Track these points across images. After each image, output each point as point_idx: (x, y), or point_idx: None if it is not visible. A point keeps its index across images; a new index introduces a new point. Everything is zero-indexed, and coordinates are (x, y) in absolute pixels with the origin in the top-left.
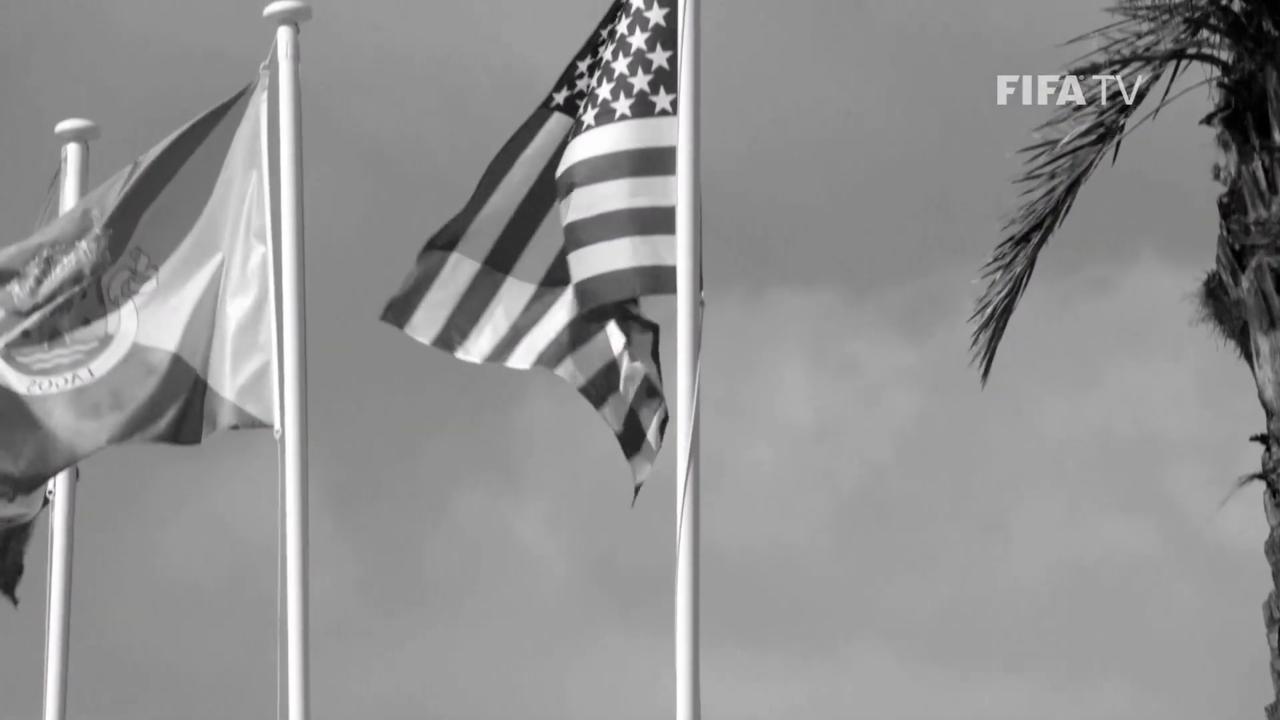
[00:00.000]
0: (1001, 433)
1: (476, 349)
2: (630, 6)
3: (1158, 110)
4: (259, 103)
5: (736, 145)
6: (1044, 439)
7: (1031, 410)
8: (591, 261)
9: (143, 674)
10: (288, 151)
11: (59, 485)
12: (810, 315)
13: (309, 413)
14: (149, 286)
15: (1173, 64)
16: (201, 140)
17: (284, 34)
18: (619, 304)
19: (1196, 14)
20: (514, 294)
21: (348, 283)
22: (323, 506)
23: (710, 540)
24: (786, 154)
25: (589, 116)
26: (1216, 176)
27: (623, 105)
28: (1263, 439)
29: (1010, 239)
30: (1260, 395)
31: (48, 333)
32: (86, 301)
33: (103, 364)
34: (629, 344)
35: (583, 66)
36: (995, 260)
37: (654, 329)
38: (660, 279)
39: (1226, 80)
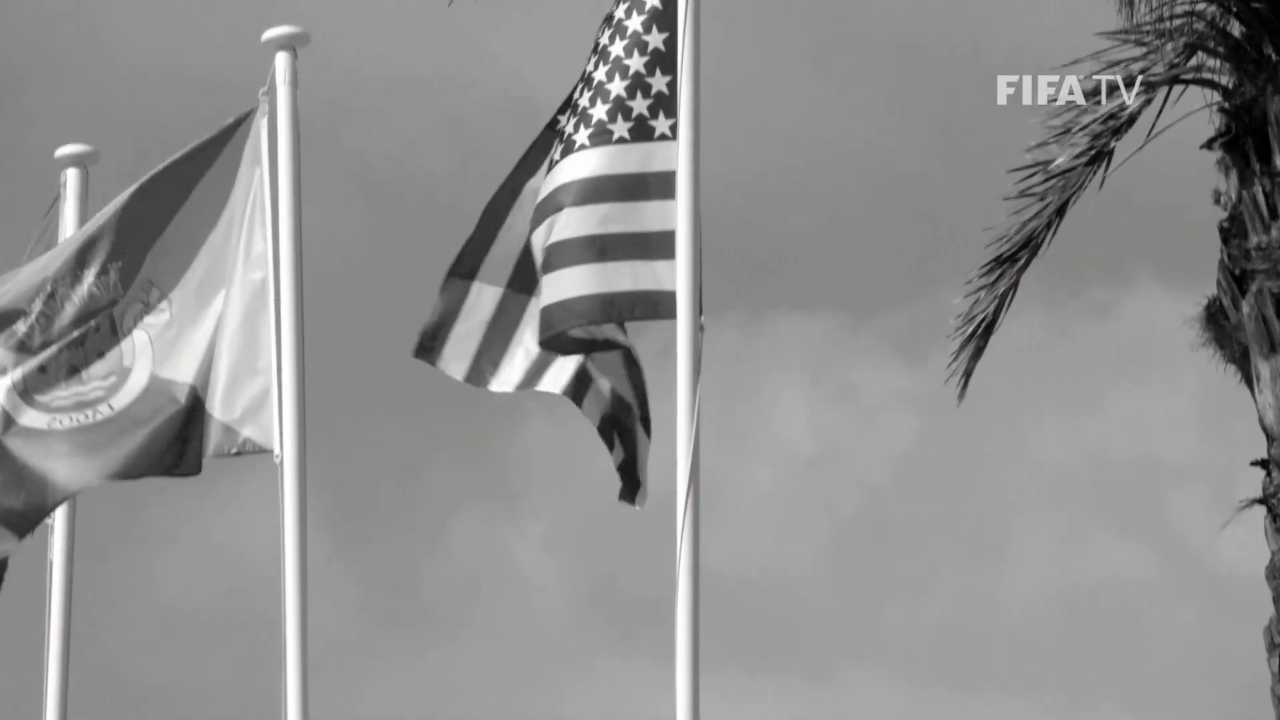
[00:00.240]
0: (1000, 457)
1: (509, 379)
2: (619, 23)
3: (1150, 132)
4: (259, 129)
5: (736, 169)
6: (1043, 463)
7: (1030, 434)
8: (587, 281)
9: (143, 698)
10: (286, 176)
11: (58, 510)
12: (809, 339)
13: (308, 437)
14: (162, 318)
15: (1165, 88)
16: (206, 169)
17: (282, 59)
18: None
19: (1195, 37)
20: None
21: (346, 307)
22: (322, 530)
23: (709, 564)
24: (786, 178)
25: (582, 135)
26: (1217, 201)
27: (621, 128)
28: (1263, 464)
29: (996, 258)
30: (1260, 420)
31: (64, 369)
32: (100, 335)
33: (123, 398)
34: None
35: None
36: (979, 278)
37: (624, 348)
38: (660, 304)
39: (1227, 105)
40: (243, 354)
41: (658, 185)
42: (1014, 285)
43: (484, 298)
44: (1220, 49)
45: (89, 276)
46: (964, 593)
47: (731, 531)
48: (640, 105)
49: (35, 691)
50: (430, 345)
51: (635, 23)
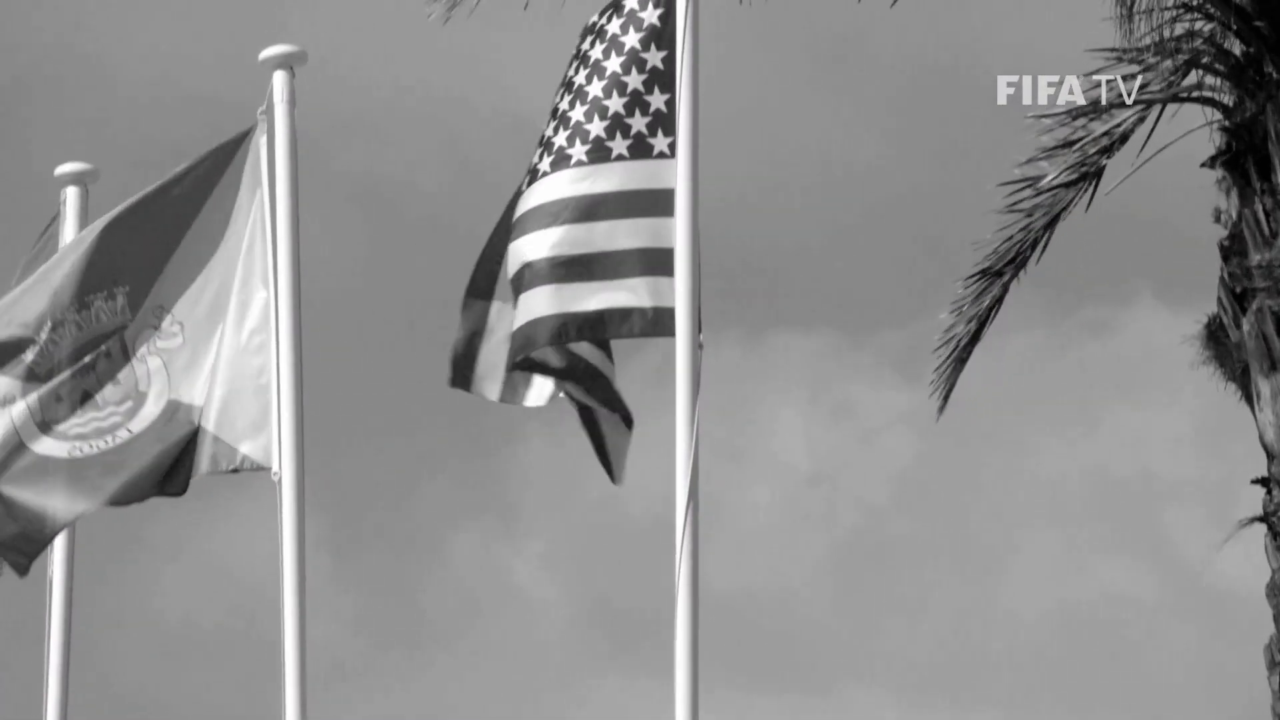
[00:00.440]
0: (999, 475)
1: (541, 392)
2: (614, 38)
3: (1143, 148)
4: (258, 149)
5: (735, 187)
6: (1042, 481)
7: (1029, 452)
8: (588, 299)
9: (142, 715)
10: (284, 195)
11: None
12: (808, 357)
13: (306, 454)
14: (175, 342)
15: (1159, 106)
16: (210, 191)
17: (280, 79)
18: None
19: (1194, 55)
20: None
21: (344, 326)
22: (321, 548)
23: (708, 582)
24: (785, 196)
25: (578, 151)
26: (1217, 219)
27: (620, 145)
28: (1263, 481)
29: (980, 271)
30: (1261, 438)
31: (78, 396)
32: (111, 360)
33: (140, 421)
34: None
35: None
36: (963, 291)
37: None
38: (660, 321)
39: (1228, 123)
40: (243, 371)
41: (657, 203)
42: (999, 300)
43: (504, 316)
44: (1220, 67)
45: (96, 301)
46: (962, 610)
47: (730, 549)
48: (639, 123)
49: (35, 708)
50: (464, 373)
51: (632, 39)
